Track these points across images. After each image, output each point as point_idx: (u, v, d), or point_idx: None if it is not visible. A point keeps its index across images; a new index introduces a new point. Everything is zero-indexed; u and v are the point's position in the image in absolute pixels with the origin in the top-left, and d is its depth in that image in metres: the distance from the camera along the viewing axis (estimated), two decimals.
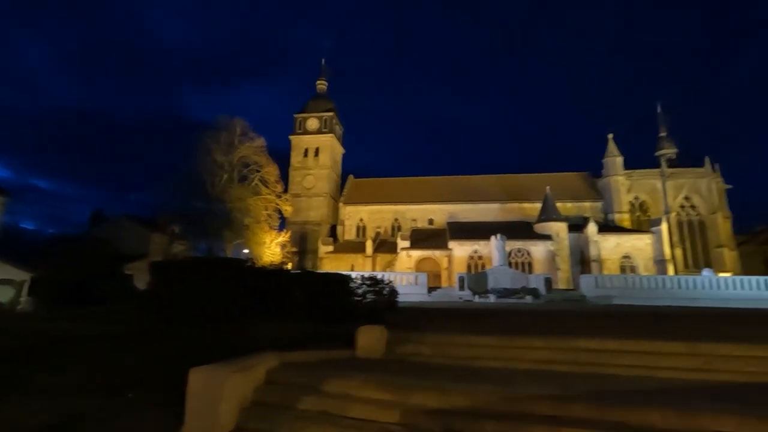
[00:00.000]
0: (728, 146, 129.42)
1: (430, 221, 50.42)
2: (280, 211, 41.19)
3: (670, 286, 27.21)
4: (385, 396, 4.83)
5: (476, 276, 30.48)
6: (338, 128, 61.33)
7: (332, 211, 55.29)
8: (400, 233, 45.60)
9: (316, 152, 56.42)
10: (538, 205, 43.94)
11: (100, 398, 5.31)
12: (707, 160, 47.22)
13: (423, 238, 44.29)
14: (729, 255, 43.93)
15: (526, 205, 47.87)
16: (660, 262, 40.09)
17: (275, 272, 11.46)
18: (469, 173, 55.92)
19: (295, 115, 58.72)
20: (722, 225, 44.93)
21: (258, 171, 39.82)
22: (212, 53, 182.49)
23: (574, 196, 49.05)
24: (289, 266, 38.06)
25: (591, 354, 6.52)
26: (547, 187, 43.57)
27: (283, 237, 41.50)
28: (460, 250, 40.50)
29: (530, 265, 39.05)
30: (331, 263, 44.42)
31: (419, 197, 52.08)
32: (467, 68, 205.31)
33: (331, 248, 47.79)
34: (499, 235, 32.67)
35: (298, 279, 10.46)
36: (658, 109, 57.09)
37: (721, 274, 32.91)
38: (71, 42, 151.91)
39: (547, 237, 40.03)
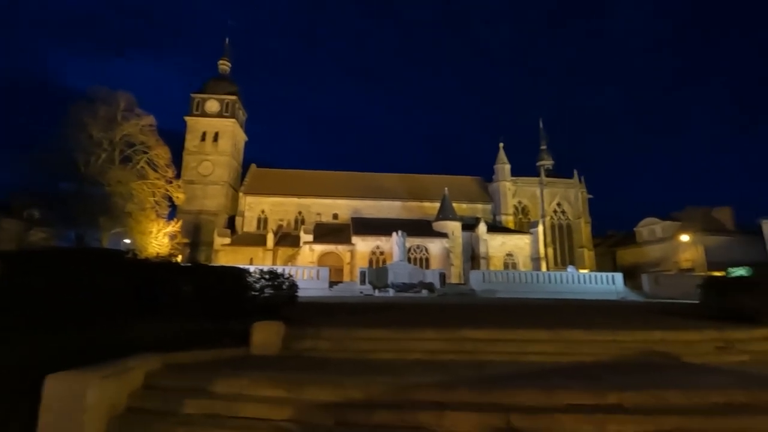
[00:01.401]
0: (590, 161, 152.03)
1: (335, 216, 50.39)
2: (170, 199, 37.44)
3: (543, 280, 31.03)
4: (278, 393, 4.72)
5: (377, 271, 31.29)
6: (241, 113, 57.81)
7: (231, 201, 52.05)
8: (303, 227, 44.76)
9: (216, 137, 52.47)
10: (437, 205, 46.70)
11: None
12: (576, 172, 54.99)
13: (326, 232, 44.11)
14: (588, 254, 51.75)
15: (426, 204, 50.53)
16: (536, 260, 45.59)
17: (161, 265, 10.41)
18: (373, 170, 57.15)
19: (193, 95, 53.85)
20: (584, 229, 52.70)
21: (145, 152, 35.61)
22: (94, 11, 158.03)
23: (469, 197, 53.15)
24: (179, 259, 34.91)
25: (475, 343, 7.15)
26: (445, 189, 46.58)
27: (173, 227, 37.75)
28: (363, 246, 41.25)
29: (427, 260, 41.38)
30: (227, 256, 41.89)
31: (324, 191, 51.69)
32: (377, 68, 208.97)
33: (228, 240, 45.02)
34: (400, 232, 33.96)
35: (189, 273, 9.63)
36: (540, 125, 64.66)
37: (581, 271, 38.48)
38: None
39: (443, 235, 42.77)
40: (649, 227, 52.60)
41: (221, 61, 59.25)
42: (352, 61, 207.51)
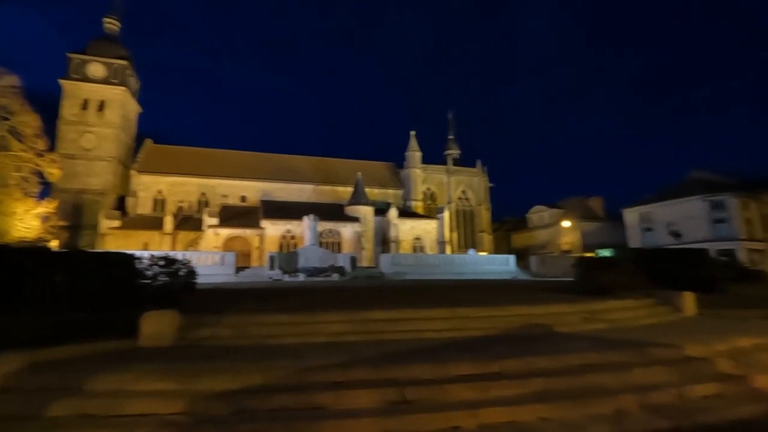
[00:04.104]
0: (492, 152, 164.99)
1: (243, 198, 47.90)
2: (42, 175, 32.14)
3: (447, 262, 33.10)
4: (168, 386, 4.44)
5: (287, 255, 30.57)
6: (133, 81, 51.47)
7: (122, 180, 46.51)
8: (207, 209, 41.73)
9: (101, 106, 46.10)
10: (350, 189, 46.87)
11: None
12: (479, 162, 59.03)
13: (234, 215, 41.79)
14: (487, 238, 56.31)
15: (339, 188, 50.43)
16: (441, 243, 48.34)
17: (26, 251, 9.01)
18: (285, 152, 55.22)
19: (70, 55, 46.41)
20: (484, 215, 57.12)
21: (6, 119, 29.94)
22: None
23: (381, 183, 54.21)
24: (54, 244, 30.50)
25: (378, 323, 7.42)
26: (359, 174, 46.89)
27: (47, 207, 32.54)
28: (273, 230, 39.95)
29: (339, 245, 41.53)
30: (117, 241, 37.55)
31: (231, 172, 48.70)
32: (291, 45, 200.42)
33: (117, 223, 40.27)
34: (311, 216, 33.47)
35: (63, 260, 8.49)
36: (449, 116, 67.96)
37: (481, 253, 41.81)
38: None
39: (355, 219, 43.19)
40: (539, 214, 58.86)
41: (107, 19, 51.79)
42: (264, 34, 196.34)
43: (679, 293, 10.16)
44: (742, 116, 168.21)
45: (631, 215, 49.46)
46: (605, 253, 22.14)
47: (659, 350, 5.95)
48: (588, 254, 33.10)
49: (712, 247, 33.73)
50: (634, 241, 47.23)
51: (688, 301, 10.01)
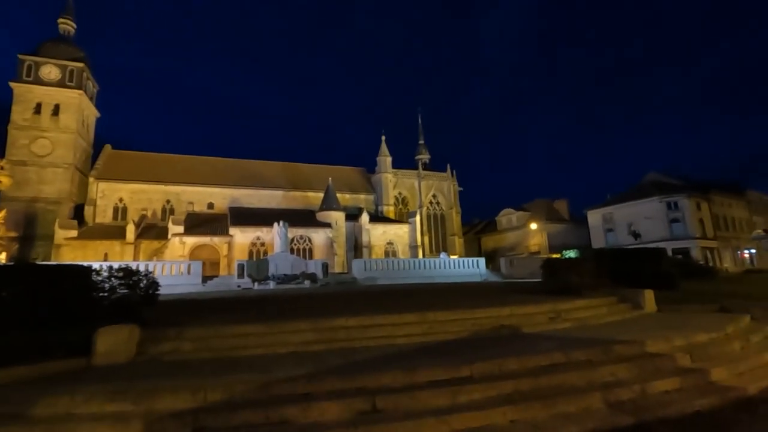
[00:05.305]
0: (461, 155, 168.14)
1: (210, 205, 46.54)
2: None
3: (419, 267, 33.20)
4: (123, 407, 4.17)
5: (257, 263, 29.86)
6: (91, 85, 49.20)
7: (79, 188, 44.24)
8: (172, 217, 40.24)
9: (56, 110, 43.77)
10: (321, 195, 46.44)
11: None
12: (448, 166, 59.84)
13: (200, 223, 40.51)
14: (458, 242, 57.03)
15: (310, 194, 49.88)
16: (413, 248, 48.59)
17: None
18: (253, 158, 54.19)
19: (22, 57, 43.87)
20: (455, 218, 57.86)
21: None
22: None
23: (352, 188, 53.99)
24: (2, 257, 28.64)
25: (348, 331, 7.30)
26: (329, 179, 46.56)
27: None
28: (242, 237, 39.00)
29: (311, 251, 41.00)
30: (74, 252, 35.64)
31: (197, 178, 47.25)
32: (257, 47, 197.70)
33: (74, 233, 38.19)
34: (281, 222, 32.91)
35: (10, 273, 7.92)
36: (419, 120, 68.61)
37: (452, 257, 42.26)
38: None
39: (327, 225, 42.78)
40: (507, 216, 60.23)
41: (62, 20, 49.35)
42: (228, 36, 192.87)
43: (639, 291, 10.55)
44: (692, 118, 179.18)
45: (594, 216, 51.37)
46: (570, 253, 22.86)
47: (622, 347, 6.13)
48: (554, 255, 34.05)
49: (669, 246, 35.52)
50: (598, 241, 49.05)
51: (648, 298, 10.41)
